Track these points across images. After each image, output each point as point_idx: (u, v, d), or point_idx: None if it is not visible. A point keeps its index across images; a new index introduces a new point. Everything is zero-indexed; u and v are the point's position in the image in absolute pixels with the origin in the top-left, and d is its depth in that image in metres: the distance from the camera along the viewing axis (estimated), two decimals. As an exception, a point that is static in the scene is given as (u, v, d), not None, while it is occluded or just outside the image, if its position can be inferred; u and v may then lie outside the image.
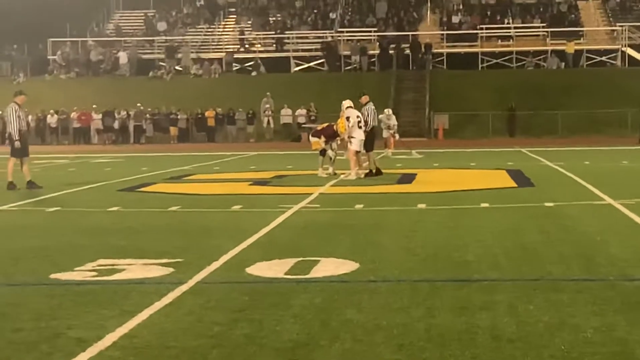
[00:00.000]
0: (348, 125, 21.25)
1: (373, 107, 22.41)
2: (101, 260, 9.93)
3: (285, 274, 9.00)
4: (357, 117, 21.42)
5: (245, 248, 10.71)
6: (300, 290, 8.13)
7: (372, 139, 22.02)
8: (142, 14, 64.71)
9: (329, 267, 9.31)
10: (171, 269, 9.29)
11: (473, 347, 6.27)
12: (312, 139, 22.57)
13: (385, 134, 33.27)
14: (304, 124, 48.29)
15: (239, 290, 8.24)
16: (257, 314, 7.27)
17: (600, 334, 6.54)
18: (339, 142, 22.09)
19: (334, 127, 21.75)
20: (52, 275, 9.08)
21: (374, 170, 21.99)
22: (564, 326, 6.75)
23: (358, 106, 22.24)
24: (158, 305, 7.61)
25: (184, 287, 8.32)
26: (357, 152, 21.35)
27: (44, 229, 13.04)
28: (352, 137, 21.20)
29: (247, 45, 58.59)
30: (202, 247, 10.81)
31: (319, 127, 22.96)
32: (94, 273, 9.16)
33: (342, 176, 21.34)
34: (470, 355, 6.09)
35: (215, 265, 9.52)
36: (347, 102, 21.86)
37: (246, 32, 60.45)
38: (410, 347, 6.29)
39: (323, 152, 22.09)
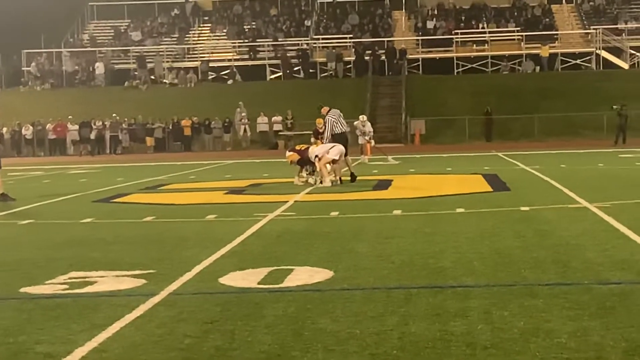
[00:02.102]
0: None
1: (336, 114, 22.27)
2: (73, 272, 9.80)
3: (259, 283, 8.89)
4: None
5: (219, 258, 10.60)
6: (274, 300, 8.03)
7: (344, 144, 21.88)
8: (117, 24, 64.51)
9: (303, 276, 9.22)
10: (143, 281, 9.17)
11: (447, 355, 6.19)
12: (288, 153, 22.45)
13: (361, 140, 33.33)
14: (280, 131, 48.30)
15: (211, 301, 8.13)
16: (229, 324, 7.17)
17: (575, 339, 6.47)
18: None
19: (310, 151, 21.53)
20: (22, 289, 8.94)
21: (355, 174, 22.03)
22: (539, 332, 6.68)
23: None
24: (129, 317, 7.49)
25: (155, 299, 8.21)
26: (332, 162, 21.21)
27: (16, 242, 12.87)
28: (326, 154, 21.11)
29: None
30: (175, 258, 10.69)
31: (298, 147, 22.68)
32: (65, 286, 9.03)
33: (317, 184, 21.25)
34: (444, 364, 6.03)
35: (188, 275, 9.40)
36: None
37: (221, 40, 60.45)
38: (384, 356, 6.20)
39: (299, 162, 21.96)
